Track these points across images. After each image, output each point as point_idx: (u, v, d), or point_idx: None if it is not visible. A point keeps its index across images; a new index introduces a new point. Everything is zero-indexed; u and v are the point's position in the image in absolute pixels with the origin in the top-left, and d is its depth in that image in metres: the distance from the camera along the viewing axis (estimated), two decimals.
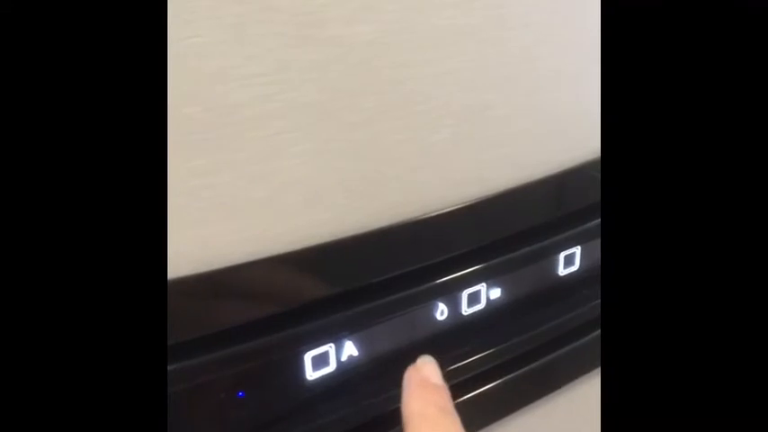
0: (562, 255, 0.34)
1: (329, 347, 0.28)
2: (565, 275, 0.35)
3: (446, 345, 0.31)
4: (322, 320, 0.27)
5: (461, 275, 0.31)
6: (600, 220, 0.34)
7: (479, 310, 0.32)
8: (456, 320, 0.31)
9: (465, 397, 0.32)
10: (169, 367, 0.23)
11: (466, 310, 0.31)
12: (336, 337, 0.28)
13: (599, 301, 0.36)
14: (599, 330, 0.37)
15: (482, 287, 0.31)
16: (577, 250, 0.35)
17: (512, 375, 0.34)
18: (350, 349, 0.28)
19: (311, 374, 0.27)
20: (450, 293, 0.31)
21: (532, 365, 0.35)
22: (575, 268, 0.35)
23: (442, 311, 0.31)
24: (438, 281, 0.30)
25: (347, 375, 0.28)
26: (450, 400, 0.26)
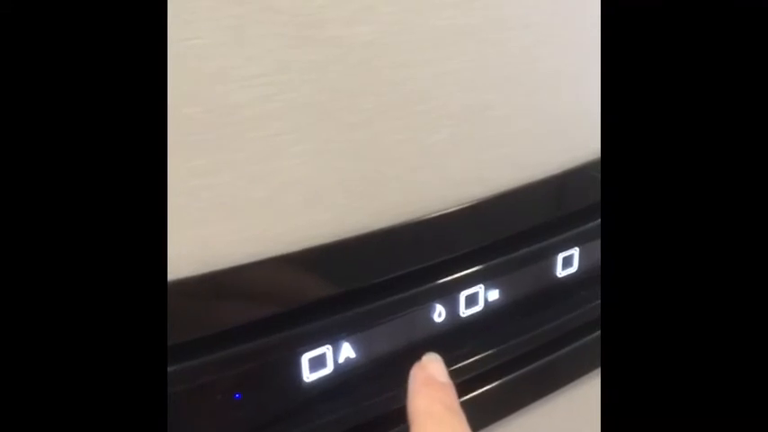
0: (560, 256, 0.34)
1: (326, 349, 0.27)
2: (563, 277, 0.35)
3: (444, 347, 0.30)
4: (319, 322, 0.27)
5: (459, 277, 0.31)
6: (599, 220, 0.34)
7: (477, 312, 0.32)
8: (454, 322, 0.31)
9: (463, 399, 0.32)
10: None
11: (464, 311, 0.31)
12: (334, 338, 0.28)
13: (597, 302, 0.36)
14: (597, 332, 0.37)
15: (480, 289, 0.31)
16: (576, 252, 0.35)
17: (510, 377, 0.34)
18: (347, 351, 0.28)
19: (308, 376, 0.27)
20: (447, 295, 0.31)
21: (530, 367, 0.35)
22: (573, 270, 0.35)
23: (439, 313, 0.31)
24: (435, 282, 0.30)
25: (344, 377, 0.28)
26: (456, 398, 0.26)
